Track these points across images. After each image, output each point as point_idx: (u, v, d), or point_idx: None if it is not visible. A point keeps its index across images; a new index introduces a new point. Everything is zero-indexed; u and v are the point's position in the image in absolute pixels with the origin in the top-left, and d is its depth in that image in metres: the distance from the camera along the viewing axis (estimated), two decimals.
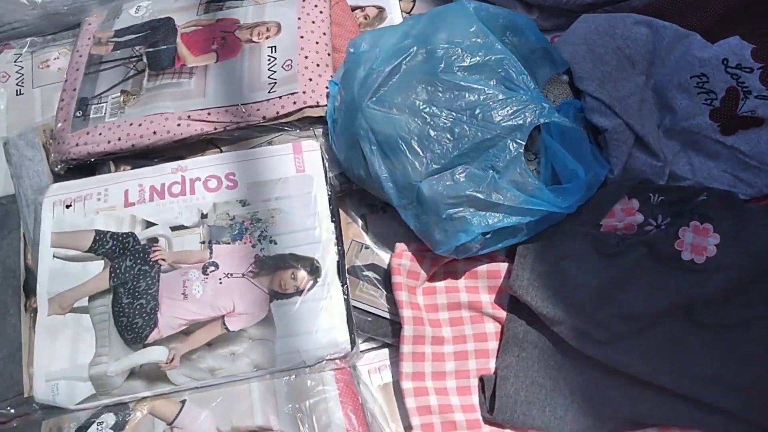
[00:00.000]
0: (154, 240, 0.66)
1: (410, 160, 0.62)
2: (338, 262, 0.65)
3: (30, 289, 0.68)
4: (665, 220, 0.66)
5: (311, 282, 0.63)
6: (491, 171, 0.61)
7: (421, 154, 0.61)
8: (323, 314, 0.62)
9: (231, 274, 0.64)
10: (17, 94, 0.83)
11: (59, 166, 0.72)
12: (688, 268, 0.64)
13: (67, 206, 0.67)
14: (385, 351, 0.68)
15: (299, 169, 0.68)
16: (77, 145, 0.71)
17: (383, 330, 0.68)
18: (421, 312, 0.66)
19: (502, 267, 0.67)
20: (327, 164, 0.69)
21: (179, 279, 0.63)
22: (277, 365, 0.61)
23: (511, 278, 0.64)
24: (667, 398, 0.61)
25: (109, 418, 0.60)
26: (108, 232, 0.66)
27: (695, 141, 0.70)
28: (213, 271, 0.64)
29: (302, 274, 0.64)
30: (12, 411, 0.60)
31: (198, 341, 0.61)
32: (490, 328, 0.67)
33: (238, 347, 0.61)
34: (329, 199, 0.67)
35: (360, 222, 0.72)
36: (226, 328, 0.62)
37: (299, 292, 0.63)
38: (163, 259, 0.65)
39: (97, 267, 0.65)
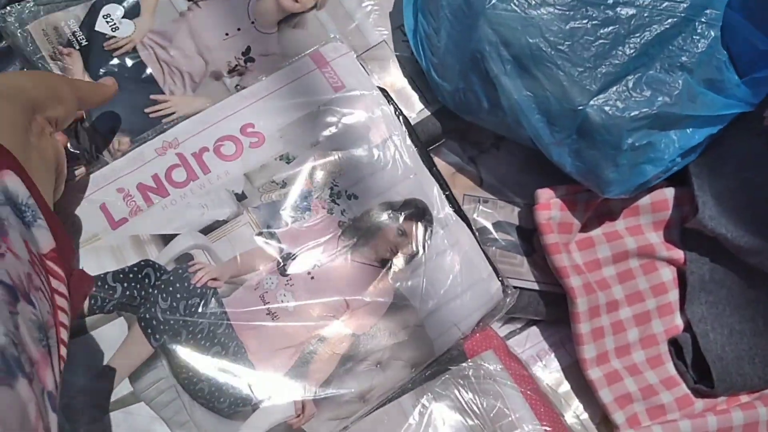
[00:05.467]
0: (185, 258, 0.45)
1: (569, 75, 0.45)
2: (443, 189, 0.49)
3: None
4: None
5: (426, 230, 0.47)
6: (679, 71, 0.45)
7: (583, 63, 0.45)
8: (461, 265, 0.47)
9: (320, 262, 0.45)
10: None
11: None
12: None
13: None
14: (534, 330, 0.54)
15: (336, 86, 0.49)
16: None
17: (533, 306, 0.52)
18: (587, 275, 0.50)
19: (668, 194, 0.52)
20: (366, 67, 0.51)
21: (253, 296, 0.44)
22: (436, 353, 0.46)
23: (700, 211, 0.49)
24: None
25: None
26: (107, 274, 0.44)
27: None
28: (294, 267, 0.45)
29: (411, 225, 0.47)
30: None
31: (325, 368, 0.44)
32: (666, 275, 0.53)
33: (382, 352, 0.45)
34: (396, 114, 0.49)
35: (470, 168, 0.53)
36: (353, 334, 0.45)
37: (417, 250, 0.47)
38: (214, 279, 0.44)
39: (117, 330, 0.43)
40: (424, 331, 0.45)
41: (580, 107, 0.44)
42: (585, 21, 0.44)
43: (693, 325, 0.51)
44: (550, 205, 0.50)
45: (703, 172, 0.51)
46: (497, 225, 0.53)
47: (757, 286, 0.51)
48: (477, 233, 0.48)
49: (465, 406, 0.46)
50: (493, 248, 0.52)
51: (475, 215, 0.53)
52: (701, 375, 0.50)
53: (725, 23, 0.49)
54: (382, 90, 0.49)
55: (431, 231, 0.47)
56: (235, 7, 0.53)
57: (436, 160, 0.53)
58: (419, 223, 0.47)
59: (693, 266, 0.52)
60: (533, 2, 0.44)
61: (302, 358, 0.44)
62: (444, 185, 0.49)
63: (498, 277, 0.47)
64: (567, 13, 0.44)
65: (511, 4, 0.44)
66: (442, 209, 0.47)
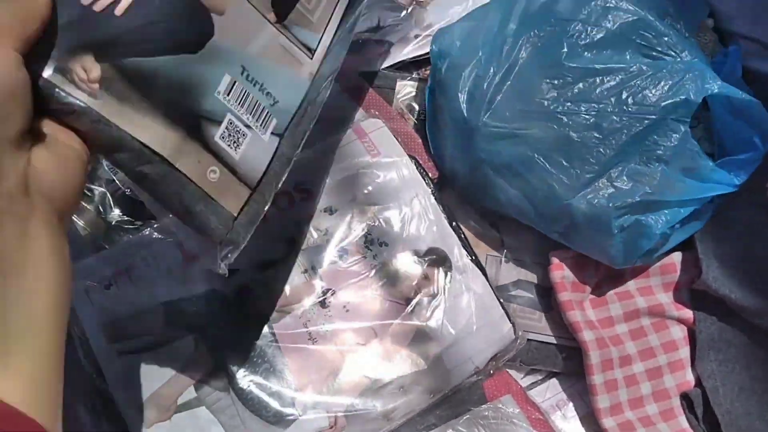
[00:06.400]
0: (244, 288, 0.52)
1: (555, 176, 0.51)
2: (462, 241, 0.55)
3: None
4: None
5: (446, 275, 0.54)
6: (656, 163, 0.50)
7: (567, 165, 0.51)
8: (476, 307, 0.53)
9: (355, 297, 0.53)
10: None
11: None
12: None
13: (106, 287, 0.52)
14: (554, 382, 0.58)
15: (373, 153, 0.57)
16: None
17: (551, 359, 0.57)
18: (599, 331, 0.54)
19: (676, 258, 0.57)
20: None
21: (298, 323, 0.52)
22: (452, 382, 0.52)
23: (703, 272, 0.54)
24: None
25: None
26: (181, 299, 0.52)
27: None
28: (332, 300, 0.52)
29: (433, 270, 0.53)
30: None
31: (356, 388, 0.51)
32: (677, 333, 0.56)
33: (405, 377, 0.51)
34: (422, 176, 0.57)
35: (492, 231, 0.60)
36: (380, 360, 0.51)
37: (438, 291, 0.53)
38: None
39: (186, 346, 0.51)
40: (442, 362, 0.51)
41: (568, 201, 0.50)
42: (567, 130, 0.50)
43: (703, 381, 0.53)
44: (563, 266, 0.55)
45: (707, 238, 0.55)
46: (517, 283, 0.59)
47: (765, 345, 0.54)
48: (491, 282, 0.54)
49: None
50: (514, 304, 0.58)
51: (496, 275, 0.59)
52: (712, 429, 0.52)
53: (714, 116, 0.55)
54: (412, 157, 0.57)
55: (450, 276, 0.53)
56: None
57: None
58: (440, 269, 0.53)
59: (701, 325, 0.55)
60: (519, 117, 0.51)
61: (336, 378, 0.50)
62: (463, 237, 0.55)
63: (509, 320, 0.53)
64: (549, 125, 0.50)
65: (499, 121, 0.51)
66: (460, 258, 0.54)
